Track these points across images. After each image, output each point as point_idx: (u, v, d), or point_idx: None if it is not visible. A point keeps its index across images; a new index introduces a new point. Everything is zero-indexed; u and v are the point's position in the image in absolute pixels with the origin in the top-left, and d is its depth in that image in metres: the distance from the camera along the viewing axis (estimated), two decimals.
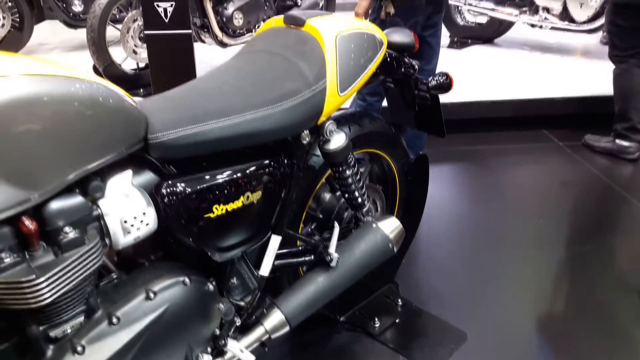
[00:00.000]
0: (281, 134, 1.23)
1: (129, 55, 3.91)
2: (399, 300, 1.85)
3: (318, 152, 1.41)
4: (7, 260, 0.90)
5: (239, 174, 1.18)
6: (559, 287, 2.06)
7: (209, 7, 3.99)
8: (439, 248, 2.25)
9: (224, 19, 4.11)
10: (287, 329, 1.34)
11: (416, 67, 1.60)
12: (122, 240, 1.03)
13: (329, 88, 1.27)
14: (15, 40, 4.88)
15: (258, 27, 4.32)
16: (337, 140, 1.34)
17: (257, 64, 1.30)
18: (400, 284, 1.92)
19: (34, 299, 0.89)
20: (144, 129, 1.05)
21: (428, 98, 1.65)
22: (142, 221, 1.04)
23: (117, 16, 4.13)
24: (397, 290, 1.89)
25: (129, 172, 1.08)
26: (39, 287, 0.89)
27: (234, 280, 1.29)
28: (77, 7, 4.99)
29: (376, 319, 1.76)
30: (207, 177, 1.15)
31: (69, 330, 1.00)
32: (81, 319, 1.01)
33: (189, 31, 3.43)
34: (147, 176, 1.11)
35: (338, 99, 1.29)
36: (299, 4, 4.49)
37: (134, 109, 1.03)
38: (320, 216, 1.59)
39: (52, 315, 0.96)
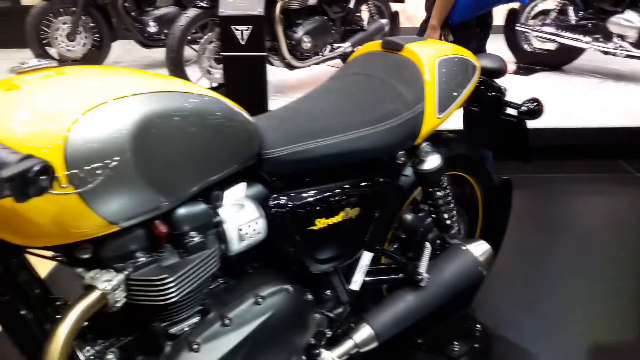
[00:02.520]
0: (380, 153, 1.28)
1: (204, 75, 4.10)
2: (478, 326, 1.84)
3: (407, 172, 1.45)
4: (142, 260, 0.98)
5: (339, 191, 1.24)
6: None
7: (280, 30, 4.15)
8: (516, 275, 2.22)
9: (293, 42, 4.24)
10: (375, 344, 1.36)
11: (505, 91, 1.63)
12: (236, 246, 1.10)
13: (427, 110, 1.31)
14: (94, 58, 5.20)
15: (325, 50, 4.44)
16: (433, 161, 1.38)
17: (356, 86, 1.37)
18: (477, 309, 1.91)
19: (162, 297, 0.97)
20: (259, 146, 1.13)
21: (514, 123, 1.66)
22: (254, 230, 1.12)
23: (190, 37, 4.35)
24: (474, 315, 1.88)
25: (243, 184, 1.16)
26: (169, 285, 0.97)
27: (327, 293, 1.33)
28: (152, 29, 5.28)
29: (455, 343, 1.76)
30: (311, 192, 1.21)
31: (186, 329, 1.07)
32: (197, 318, 1.08)
33: (264, 54, 3.59)
34: (258, 189, 1.18)
35: (435, 121, 1.34)
36: (365, 28, 4.58)
37: (252, 127, 1.11)
38: (403, 236, 1.62)
39: (174, 313, 1.04)
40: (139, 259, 0.98)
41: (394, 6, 4.85)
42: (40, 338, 0.97)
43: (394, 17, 4.84)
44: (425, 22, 2.31)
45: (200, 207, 1.05)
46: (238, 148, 1.09)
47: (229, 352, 1.08)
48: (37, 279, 0.97)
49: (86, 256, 0.95)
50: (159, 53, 5.40)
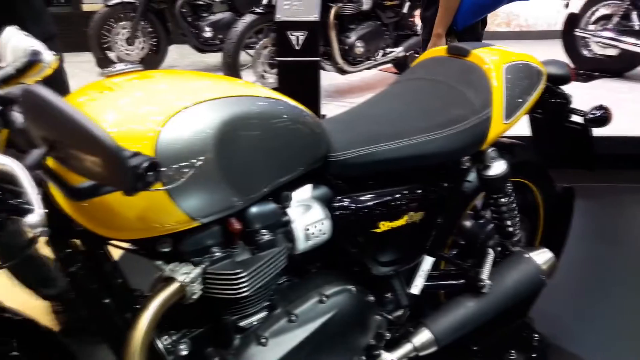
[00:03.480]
0: (446, 158, 1.28)
1: (258, 80, 4.19)
2: (536, 335, 1.81)
3: (471, 178, 1.44)
4: (217, 255, 1.03)
5: (404, 195, 1.25)
6: None
7: (333, 35, 4.19)
8: (576, 285, 2.16)
9: (346, 47, 4.28)
10: (434, 348, 1.36)
11: (570, 98, 1.60)
12: (302, 245, 1.13)
13: (494, 116, 1.31)
14: (152, 62, 5.38)
15: (377, 55, 4.45)
16: (498, 167, 1.37)
17: (422, 91, 1.38)
18: (535, 318, 1.87)
19: (235, 291, 1.01)
20: (326, 149, 1.16)
21: (580, 130, 1.63)
22: (320, 230, 1.14)
23: (245, 42, 4.44)
24: (532, 325, 1.85)
25: (309, 186, 1.19)
26: (242, 280, 1.01)
27: (387, 296, 1.35)
28: (208, 34, 5.43)
29: (512, 352, 1.73)
30: (376, 195, 1.23)
31: (254, 323, 1.11)
32: (264, 313, 1.12)
33: (318, 58, 3.64)
34: (323, 190, 1.21)
35: (502, 126, 1.33)
36: (419, 33, 4.56)
37: (321, 130, 1.14)
38: (462, 242, 1.62)
39: (244, 307, 1.08)
40: (215, 254, 1.02)
41: None
42: (120, 326, 1.03)
43: None
44: (427, 33, 2.29)
45: (271, 206, 1.09)
46: (307, 150, 1.12)
47: (295, 347, 1.11)
48: (119, 270, 1.03)
49: (166, 250, 1.00)
50: (213, 58, 5.56)
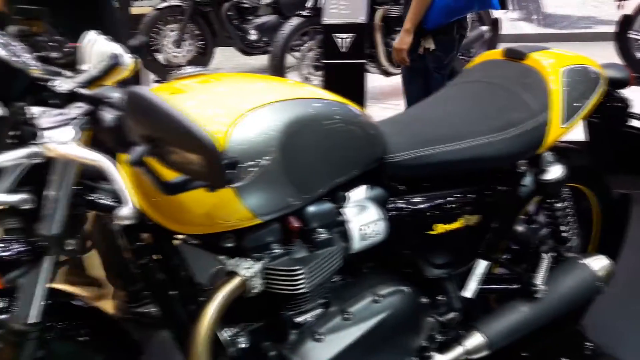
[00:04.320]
0: (503, 161, 1.28)
1: (302, 82, 4.25)
2: (588, 344, 1.77)
3: (526, 182, 1.43)
4: (277, 251, 1.06)
5: (460, 197, 1.25)
6: None
7: (379, 38, 4.20)
8: (631, 293, 2.09)
9: (391, 49, 4.27)
10: (486, 352, 1.36)
11: (629, 102, 1.56)
12: (357, 245, 1.15)
13: (552, 119, 1.30)
14: (198, 64, 5.50)
15: None
16: (555, 171, 1.36)
17: (478, 94, 1.38)
18: (588, 326, 1.83)
19: (293, 287, 1.04)
20: (382, 150, 1.17)
21: (638, 135, 1.59)
22: (374, 230, 1.16)
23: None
24: (584, 333, 1.81)
25: (364, 187, 1.21)
26: (301, 277, 1.04)
27: (440, 298, 1.35)
28: (253, 36, 5.51)
29: None
30: (432, 197, 1.24)
31: (310, 319, 1.13)
32: (320, 310, 1.15)
33: (363, 61, 3.65)
34: (378, 191, 1.22)
35: (559, 130, 1.32)
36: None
37: (378, 132, 1.16)
38: (514, 246, 1.60)
39: (301, 303, 1.11)
40: (275, 251, 1.06)
41: (495, 12, 4.73)
42: (184, 317, 1.07)
43: (494, 24, 4.72)
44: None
45: (328, 206, 1.12)
46: (364, 151, 1.14)
47: (349, 345, 1.13)
48: (185, 264, 1.08)
49: (229, 245, 1.04)
50: (257, 60, 5.64)
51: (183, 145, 0.64)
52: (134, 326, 1.64)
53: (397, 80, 4.87)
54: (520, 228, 1.59)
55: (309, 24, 4.11)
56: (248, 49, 5.53)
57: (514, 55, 1.42)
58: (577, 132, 1.68)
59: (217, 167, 0.63)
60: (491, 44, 4.73)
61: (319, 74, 4.12)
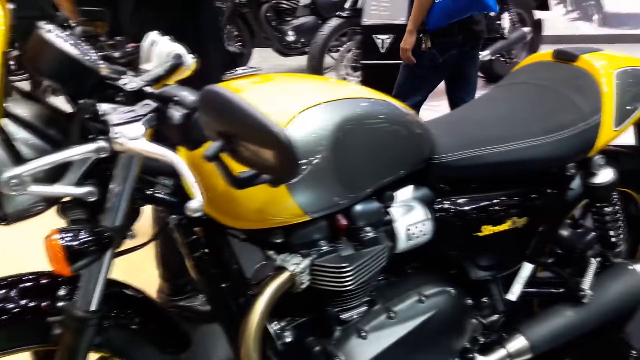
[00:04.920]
0: (552, 164, 1.27)
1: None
2: (633, 352, 1.72)
3: (574, 185, 1.41)
4: (324, 248, 1.08)
5: (507, 199, 1.25)
6: None
7: None
8: None
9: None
10: (528, 356, 1.35)
11: None
12: (403, 244, 1.16)
13: (604, 122, 1.27)
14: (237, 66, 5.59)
15: None
16: (605, 175, 1.33)
17: (527, 95, 1.36)
18: (633, 333, 1.78)
19: (340, 283, 1.06)
20: (430, 150, 1.18)
21: None
22: (421, 231, 1.17)
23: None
24: (629, 340, 1.76)
25: (411, 187, 1.22)
26: (348, 274, 1.05)
27: (484, 300, 1.34)
28: (291, 37, 5.57)
29: None
30: (480, 198, 1.23)
31: (355, 316, 1.15)
32: (365, 308, 1.16)
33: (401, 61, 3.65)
34: (425, 192, 1.23)
35: (611, 134, 1.29)
36: (506, 36, 4.45)
37: (426, 133, 1.16)
38: (559, 250, 1.58)
39: (347, 300, 1.12)
40: (322, 248, 1.07)
41: (538, 14, 4.65)
42: (234, 309, 1.10)
43: (537, 25, 4.64)
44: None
45: (375, 205, 1.13)
46: (412, 151, 1.15)
47: (393, 344, 1.14)
48: (236, 258, 1.11)
49: (278, 241, 1.06)
50: (294, 61, 5.70)
51: (258, 141, 0.66)
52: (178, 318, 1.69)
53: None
54: (565, 232, 1.57)
55: (348, 25, 4.14)
56: (285, 49, 5.59)
57: (565, 57, 1.40)
58: (627, 137, 1.65)
59: (289, 162, 0.66)
60: (533, 46, 4.65)
61: (357, 74, 4.13)
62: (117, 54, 1.00)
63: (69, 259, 0.79)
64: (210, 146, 0.68)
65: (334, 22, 4.14)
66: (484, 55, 4.28)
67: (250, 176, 0.71)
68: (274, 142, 0.66)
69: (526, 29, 4.46)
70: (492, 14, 4.40)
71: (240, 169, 0.78)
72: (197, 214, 0.72)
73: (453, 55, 2.58)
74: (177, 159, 0.73)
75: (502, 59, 4.59)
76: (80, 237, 0.81)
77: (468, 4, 2.44)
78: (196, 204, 0.72)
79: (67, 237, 0.80)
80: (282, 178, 0.71)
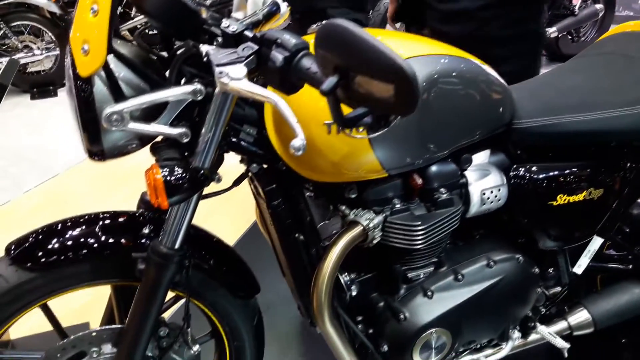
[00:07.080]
0: (634, 136, 1.22)
1: None
2: None
3: None
4: (397, 206, 1.09)
5: (585, 169, 1.21)
6: None
7: None
8: None
9: None
10: (591, 329, 1.34)
11: None
12: (476, 208, 1.16)
13: None
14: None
15: None
16: None
17: (613, 65, 1.31)
18: None
19: (411, 242, 1.07)
20: (510, 115, 1.15)
21: None
22: (495, 196, 1.16)
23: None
24: None
25: (487, 151, 1.20)
26: (419, 233, 1.06)
27: (550, 271, 1.33)
28: None
29: None
30: (557, 166, 1.21)
31: (421, 276, 1.16)
32: (431, 269, 1.17)
33: None
34: (501, 157, 1.21)
35: None
36: (576, 13, 4.23)
37: (508, 97, 1.14)
38: (627, 228, 1.53)
39: (415, 259, 1.13)
40: (396, 205, 1.08)
41: None
42: (305, 260, 1.13)
43: (610, 2, 4.39)
44: None
45: (451, 167, 1.13)
46: (493, 114, 1.13)
47: (458, 305, 1.15)
48: (309, 210, 1.13)
49: (352, 196, 1.08)
50: None
51: (379, 74, 0.66)
52: None
53: None
54: (635, 209, 1.53)
55: None
56: None
57: None
58: None
59: (411, 96, 0.66)
60: (604, 24, 4.42)
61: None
62: (208, 2, 1.02)
63: (168, 193, 0.83)
64: (328, 80, 0.69)
65: None
66: (551, 32, 4.10)
67: (356, 116, 0.71)
68: (399, 74, 0.65)
69: (598, 6, 4.21)
70: None
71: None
72: (300, 152, 0.74)
73: None
74: (279, 99, 0.75)
75: (569, 37, 4.39)
76: (178, 174, 0.84)
77: None
78: (299, 142, 0.74)
79: (167, 172, 0.84)
80: (401, 112, 0.71)
